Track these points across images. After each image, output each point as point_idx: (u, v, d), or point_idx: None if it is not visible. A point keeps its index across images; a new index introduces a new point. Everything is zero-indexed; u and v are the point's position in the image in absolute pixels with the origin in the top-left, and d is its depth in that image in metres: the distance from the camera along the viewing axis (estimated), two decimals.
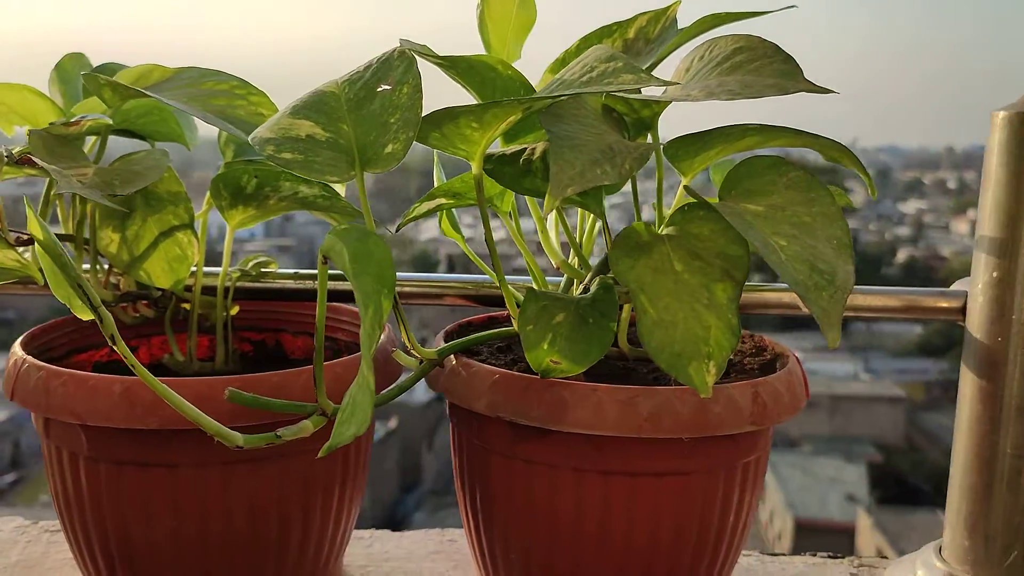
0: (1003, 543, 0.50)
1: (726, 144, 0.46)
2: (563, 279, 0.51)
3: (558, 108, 0.42)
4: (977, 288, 0.49)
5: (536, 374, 0.42)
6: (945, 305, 0.55)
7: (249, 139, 0.40)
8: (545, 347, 0.41)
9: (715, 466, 0.44)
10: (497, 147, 0.47)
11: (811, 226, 0.39)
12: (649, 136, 0.47)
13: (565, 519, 0.44)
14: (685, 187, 0.45)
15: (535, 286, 0.51)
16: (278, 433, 0.38)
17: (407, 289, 0.56)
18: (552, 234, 0.51)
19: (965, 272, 0.53)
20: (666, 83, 0.41)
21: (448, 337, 0.51)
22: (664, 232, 0.42)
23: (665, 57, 0.50)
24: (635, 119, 0.46)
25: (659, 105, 0.45)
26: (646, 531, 0.43)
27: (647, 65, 0.49)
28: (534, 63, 0.52)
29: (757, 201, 0.41)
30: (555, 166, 0.37)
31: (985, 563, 0.50)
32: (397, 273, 0.57)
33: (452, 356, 0.46)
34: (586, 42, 0.52)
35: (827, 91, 0.39)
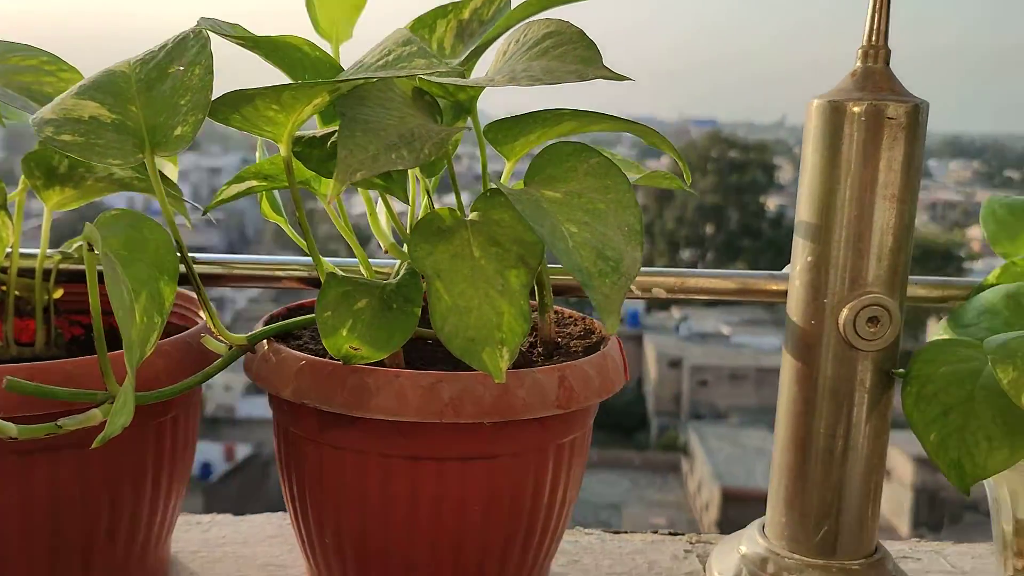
0: (816, 519, 0.51)
1: (545, 128, 0.47)
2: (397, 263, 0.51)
3: (362, 91, 0.41)
4: (795, 272, 0.50)
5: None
6: (774, 288, 0.56)
7: (30, 120, 0.38)
8: (344, 333, 0.40)
9: (524, 449, 0.44)
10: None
11: (604, 213, 0.39)
12: (469, 120, 0.47)
13: (374, 504, 0.44)
14: (483, 170, 0.45)
15: (363, 270, 0.51)
16: (59, 423, 0.37)
17: (239, 271, 0.55)
18: (383, 217, 0.51)
19: None
20: (457, 69, 0.41)
21: (272, 322, 0.50)
22: (470, 218, 0.42)
23: (493, 39, 0.49)
24: (453, 102, 0.46)
25: (473, 89, 0.45)
26: (455, 515, 0.44)
27: (475, 46, 0.48)
28: (370, 44, 0.52)
29: (556, 187, 0.41)
30: (344, 150, 0.37)
31: (801, 539, 0.52)
32: (232, 255, 0.57)
33: (265, 342, 0.46)
34: (420, 23, 0.51)
35: (623, 78, 0.40)
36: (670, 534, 0.61)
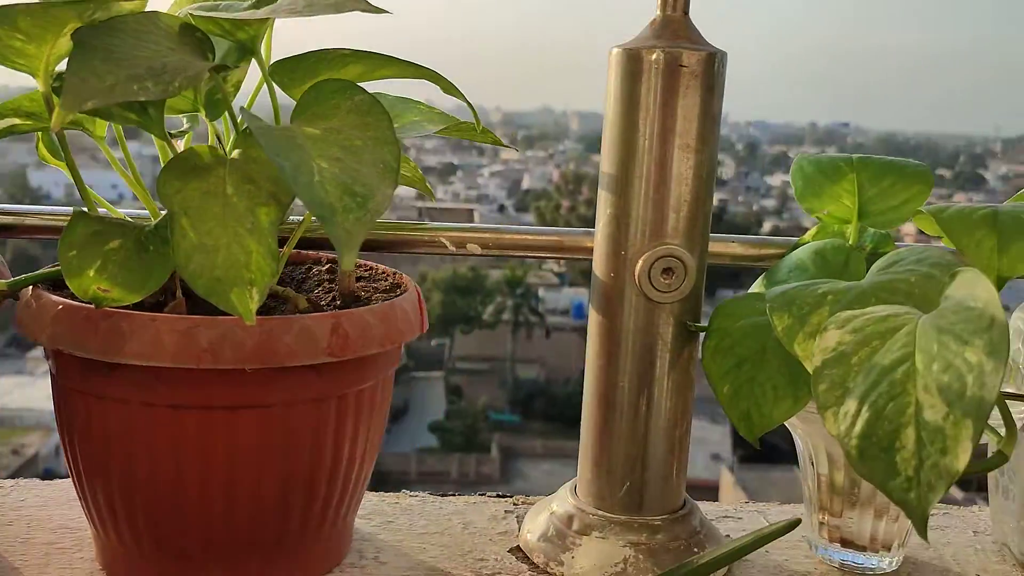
0: (620, 476, 0.51)
1: (331, 70, 0.45)
2: None
3: (118, 22, 0.39)
4: (599, 226, 0.50)
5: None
6: (588, 244, 0.55)
7: None
8: (91, 274, 0.39)
9: (298, 399, 0.43)
10: None
11: (361, 149, 0.38)
12: (254, 60, 0.45)
13: (141, 456, 0.42)
14: (275, 112, 0.43)
15: (150, 215, 0.49)
16: None
17: (32, 223, 0.53)
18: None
19: None
20: (237, 6, 0.40)
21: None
22: (231, 156, 0.40)
23: None
24: (235, 43, 0.44)
25: (254, 27, 0.43)
26: (225, 467, 0.42)
27: None
28: None
29: (317, 124, 0.39)
30: (75, 77, 0.35)
31: (606, 495, 0.51)
32: (26, 206, 0.54)
33: (30, 289, 0.44)
34: None
35: (379, 10, 0.38)
36: (498, 496, 0.61)
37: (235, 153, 0.40)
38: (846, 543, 0.52)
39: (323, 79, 0.42)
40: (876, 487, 0.35)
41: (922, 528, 0.34)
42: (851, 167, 0.52)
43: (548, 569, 0.50)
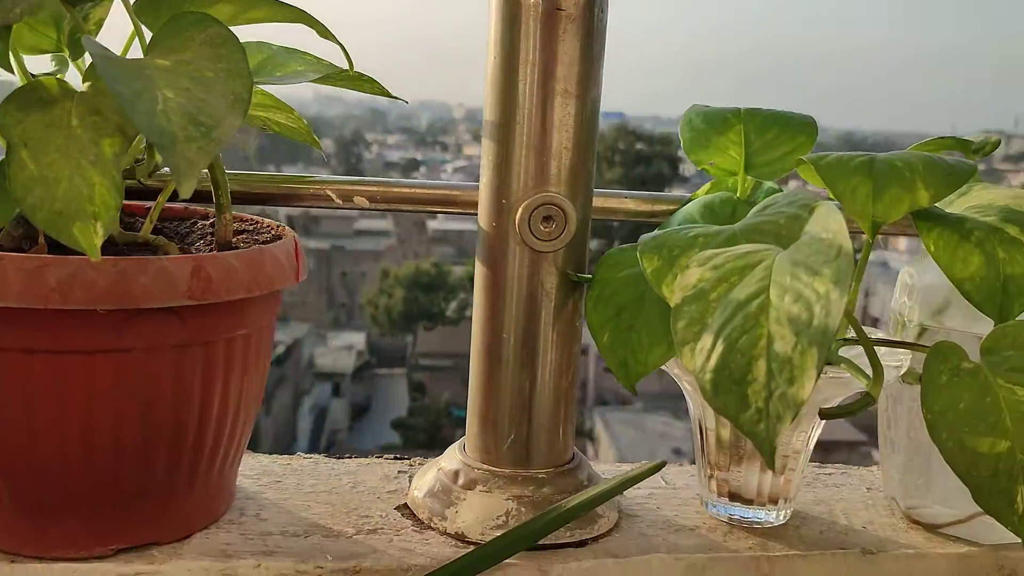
0: (505, 429, 0.50)
1: (198, 7, 0.44)
2: None
3: None
4: (483, 176, 0.49)
5: None
6: (475, 198, 0.55)
7: None
8: None
9: (160, 343, 0.41)
10: None
11: (212, 81, 0.37)
12: None
13: None
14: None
15: None
16: None
17: None
18: None
19: None
20: None
21: None
22: (82, 89, 0.39)
23: None
24: None
25: None
26: (80, 413, 0.41)
27: None
28: None
29: (169, 56, 0.38)
30: None
31: (491, 449, 0.51)
32: None
33: None
34: None
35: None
36: (395, 458, 0.60)
37: (85, 86, 0.39)
38: (734, 497, 0.52)
39: (182, 12, 0.40)
40: (730, 421, 0.35)
41: (771, 459, 0.34)
42: (738, 119, 0.52)
43: (432, 524, 0.50)
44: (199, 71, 0.37)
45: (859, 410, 0.42)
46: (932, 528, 0.53)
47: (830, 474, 0.62)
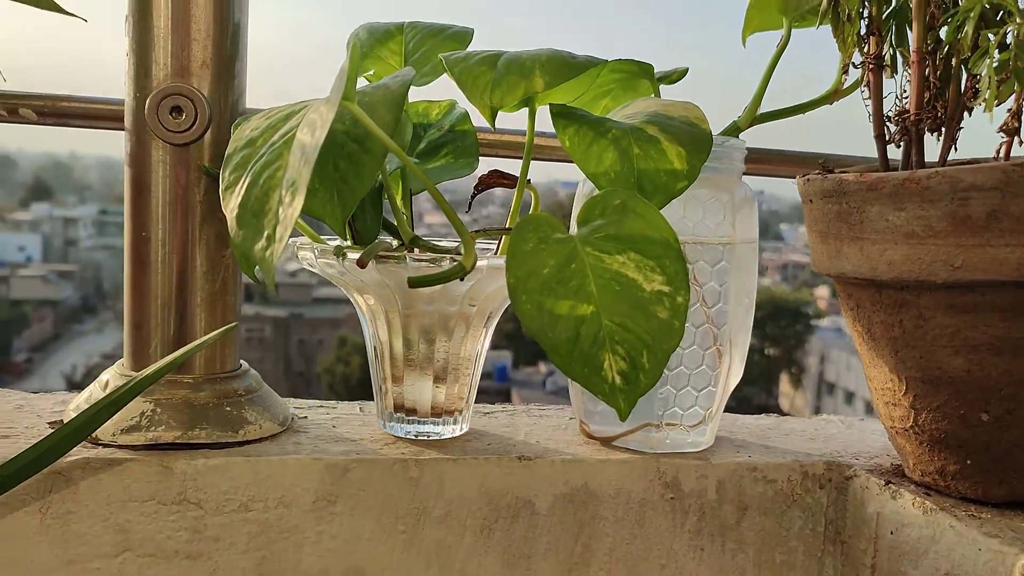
0: (152, 332, 0.49)
1: None
2: None
3: None
4: (126, 69, 0.49)
5: None
6: None
7: None
8: None
9: None
10: None
11: None
12: None
13: None
14: None
15: None
16: None
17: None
18: None
19: None
20: None
21: None
22: None
23: None
24: None
25: None
26: None
27: None
28: None
29: None
30: None
31: (141, 356, 0.49)
32: None
33: None
34: None
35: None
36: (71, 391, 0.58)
37: None
38: (410, 412, 0.51)
39: None
40: (239, 254, 0.34)
41: (271, 280, 0.34)
42: (400, 31, 0.52)
43: None
44: None
45: (447, 277, 0.42)
46: (606, 442, 0.52)
47: (545, 410, 0.61)
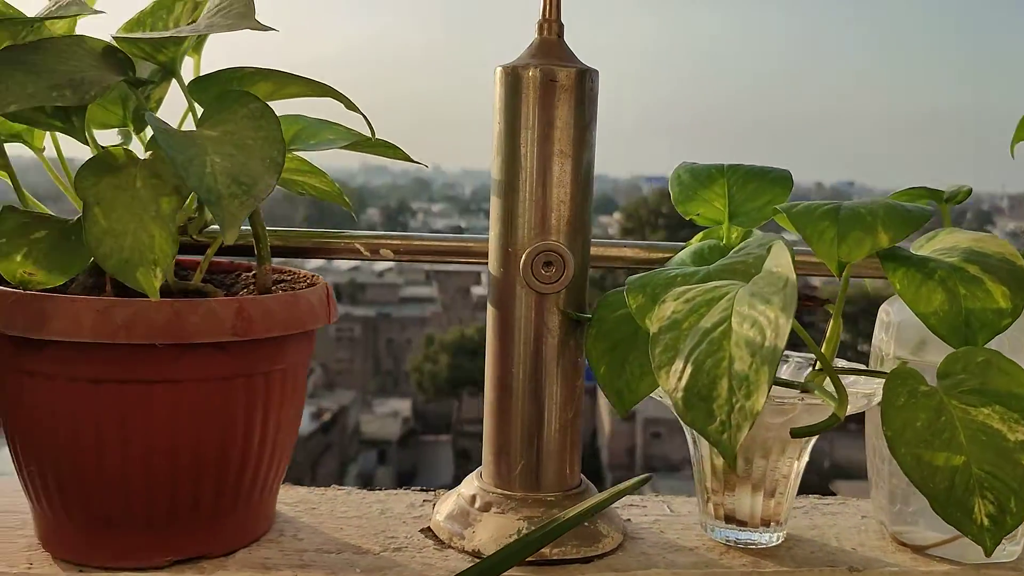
0: (516, 456, 0.55)
1: (241, 86, 0.51)
2: None
3: (45, 42, 0.45)
4: (492, 228, 0.55)
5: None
6: (484, 249, 0.61)
7: None
8: (19, 259, 0.44)
9: (208, 376, 0.48)
10: None
11: (251, 147, 0.44)
12: (175, 80, 0.51)
13: (65, 429, 0.47)
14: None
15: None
16: None
17: None
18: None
19: None
20: (159, 37, 0.46)
21: None
22: (144, 157, 0.46)
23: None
24: (156, 63, 0.50)
25: (169, 49, 0.49)
26: (142, 439, 0.47)
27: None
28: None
29: (217, 127, 0.45)
30: (1, 85, 0.41)
31: (504, 475, 0.56)
32: None
33: None
34: (160, 5, 0.56)
35: (268, 28, 0.44)
36: (420, 489, 0.65)
37: (147, 154, 0.46)
38: (730, 519, 0.56)
39: (228, 90, 0.48)
40: (698, 432, 0.40)
41: (733, 462, 0.39)
42: (722, 174, 0.57)
43: (452, 543, 0.55)
44: (242, 139, 0.44)
45: (824, 428, 0.47)
46: (919, 550, 0.57)
47: (828, 504, 0.66)
